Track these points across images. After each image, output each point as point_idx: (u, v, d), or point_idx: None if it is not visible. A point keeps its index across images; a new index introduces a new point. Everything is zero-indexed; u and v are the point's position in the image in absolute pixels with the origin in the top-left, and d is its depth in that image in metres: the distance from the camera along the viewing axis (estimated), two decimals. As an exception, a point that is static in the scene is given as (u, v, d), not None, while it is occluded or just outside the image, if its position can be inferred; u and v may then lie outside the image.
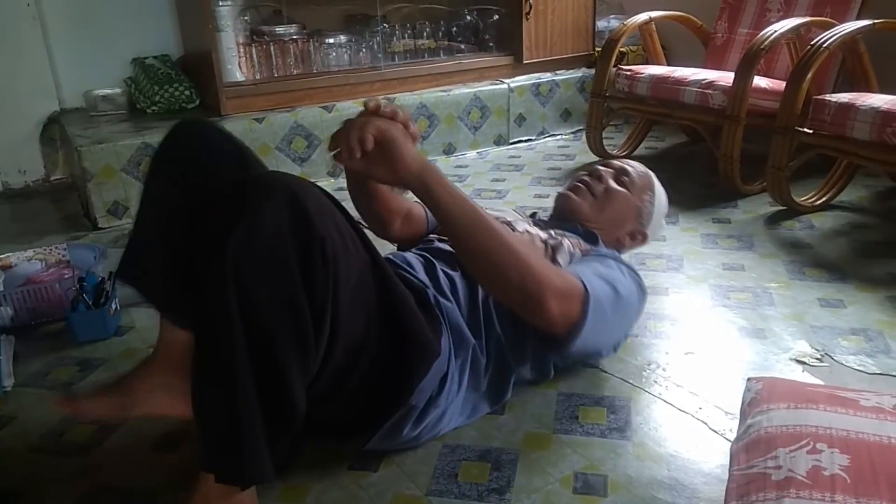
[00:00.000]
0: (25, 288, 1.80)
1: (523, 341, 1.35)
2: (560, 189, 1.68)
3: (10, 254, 1.99)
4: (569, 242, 1.44)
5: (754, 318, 1.74)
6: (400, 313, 1.12)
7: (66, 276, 1.87)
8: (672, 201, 2.53)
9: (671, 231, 2.30)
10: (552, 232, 1.48)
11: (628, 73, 2.87)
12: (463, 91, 3.30)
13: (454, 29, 3.58)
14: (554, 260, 1.39)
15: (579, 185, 1.60)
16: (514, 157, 3.27)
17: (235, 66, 2.89)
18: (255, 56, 2.98)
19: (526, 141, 3.49)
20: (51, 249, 2.02)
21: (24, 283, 1.83)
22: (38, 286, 1.82)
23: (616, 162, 1.66)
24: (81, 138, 2.57)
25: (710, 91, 2.55)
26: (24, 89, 2.91)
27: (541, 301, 1.15)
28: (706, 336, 1.67)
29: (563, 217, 1.60)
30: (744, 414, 1.17)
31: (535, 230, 1.46)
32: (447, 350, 1.23)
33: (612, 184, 1.59)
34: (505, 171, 3.06)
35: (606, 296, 1.28)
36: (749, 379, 1.25)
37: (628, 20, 3.01)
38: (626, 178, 1.60)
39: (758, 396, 1.18)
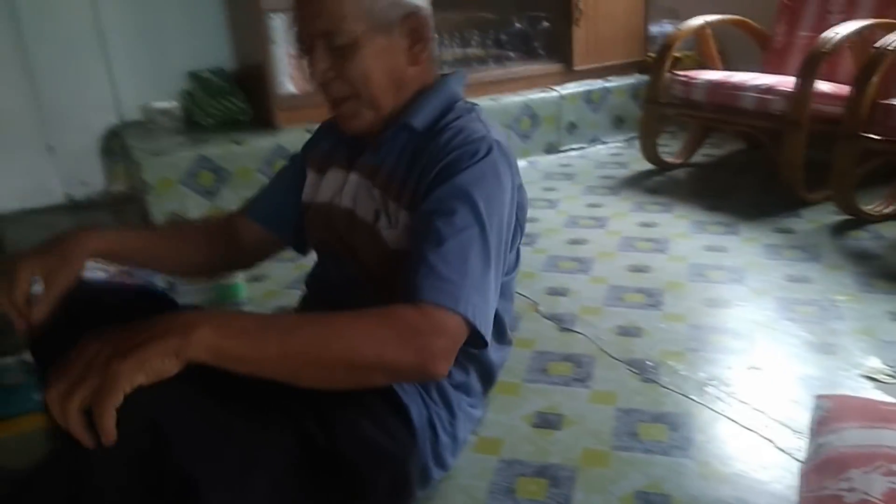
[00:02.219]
0: (87, 298, 1.84)
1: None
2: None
3: (73, 264, 2.03)
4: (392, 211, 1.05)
5: (821, 332, 1.67)
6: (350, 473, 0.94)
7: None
8: (731, 210, 2.50)
9: (732, 241, 2.23)
10: (376, 194, 1.07)
11: (683, 78, 2.81)
12: (512, 99, 3.28)
13: (503, 37, 3.56)
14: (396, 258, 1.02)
15: (331, 101, 1.06)
16: (565, 165, 3.23)
17: (288, 79, 2.92)
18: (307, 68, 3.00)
19: (577, 149, 3.44)
20: (111, 260, 2.06)
21: (87, 293, 1.88)
22: (100, 296, 1.86)
23: (308, 29, 1.02)
24: (140, 151, 2.63)
25: (769, 96, 2.48)
26: (86, 103, 3.00)
27: (435, 375, 0.88)
28: (771, 351, 1.61)
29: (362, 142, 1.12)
30: (813, 433, 1.12)
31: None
32: (423, 410, 1.07)
33: (344, 60, 1.01)
34: (556, 179, 3.02)
35: (469, 262, 0.92)
36: (818, 396, 1.20)
37: (683, 25, 2.95)
38: (340, 26, 0.98)
39: (828, 415, 1.13)
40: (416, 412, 1.05)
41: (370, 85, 1.02)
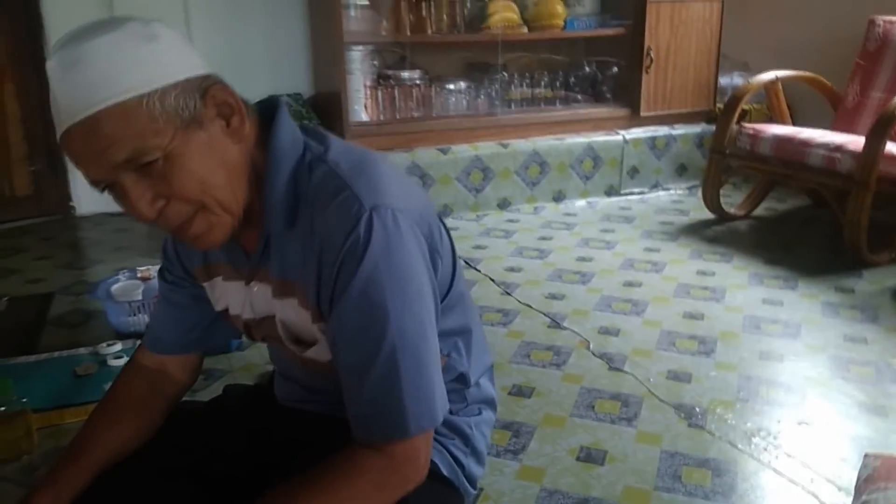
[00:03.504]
0: (161, 300, 1.95)
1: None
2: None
3: (149, 266, 2.16)
4: (289, 317, 0.95)
5: (875, 393, 1.65)
6: None
7: (196, 292, 2.01)
8: (791, 265, 2.48)
9: (790, 296, 2.22)
10: (286, 306, 0.95)
11: (751, 131, 2.82)
12: (577, 140, 3.34)
13: (572, 80, 3.63)
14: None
15: (174, 228, 0.86)
16: (624, 208, 3.26)
17: (361, 107, 3.05)
18: (380, 98, 3.13)
19: (638, 193, 3.46)
20: (185, 266, 2.18)
21: (160, 296, 1.98)
22: (172, 299, 1.96)
23: (103, 167, 0.79)
24: (218, 166, 2.77)
25: (838, 155, 2.47)
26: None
27: (420, 481, 0.91)
28: (822, 407, 1.60)
29: (230, 254, 0.98)
30: (859, 490, 1.12)
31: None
32: (445, 455, 1.08)
33: (165, 179, 0.81)
34: (615, 221, 3.05)
35: (401, 377, 0.86)
36: (867, 455, 1.19)
37: (753, 78, 2.97)
38: (143, 146, 0.78)
39: (875, 473, 1.12)
40: (444, 463, 1.06)
41: (212, 189, 0.84)
